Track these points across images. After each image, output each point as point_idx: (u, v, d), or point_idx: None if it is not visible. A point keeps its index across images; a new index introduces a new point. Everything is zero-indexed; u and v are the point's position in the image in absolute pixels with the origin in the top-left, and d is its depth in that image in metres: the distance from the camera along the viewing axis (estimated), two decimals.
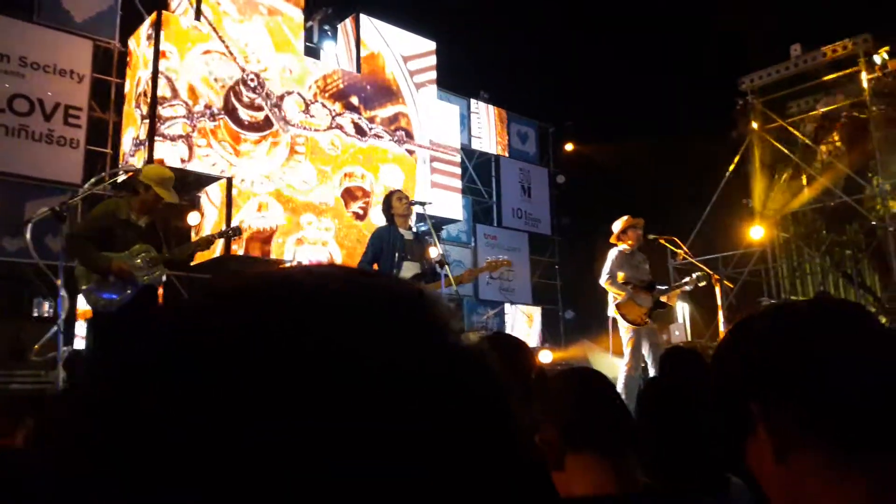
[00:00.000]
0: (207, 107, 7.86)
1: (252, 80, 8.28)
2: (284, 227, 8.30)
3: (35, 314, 5.23)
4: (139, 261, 4.43)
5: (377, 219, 9.00)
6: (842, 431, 0.77)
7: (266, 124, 8.35)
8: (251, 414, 0.29)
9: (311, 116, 8.78)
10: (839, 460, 0.77)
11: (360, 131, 9.27)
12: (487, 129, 12.11)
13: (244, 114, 8.17)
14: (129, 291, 4.37)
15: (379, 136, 9.45)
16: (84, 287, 4.30)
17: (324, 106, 8.94)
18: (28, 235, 4.27)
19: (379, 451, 0.30)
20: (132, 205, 4.47)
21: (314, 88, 8.90)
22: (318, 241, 8.58)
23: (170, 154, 7.46)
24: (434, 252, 5.55)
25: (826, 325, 0.82)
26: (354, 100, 9.33)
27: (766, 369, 0.82)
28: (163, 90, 7.58)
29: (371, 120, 9.44)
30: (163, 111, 7.54)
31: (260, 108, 8.30)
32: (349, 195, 9.04)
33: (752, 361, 0.84)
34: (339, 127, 9.05)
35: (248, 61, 8.30)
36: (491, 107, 12.17)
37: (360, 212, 9.12)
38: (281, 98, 8.53)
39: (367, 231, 8.85)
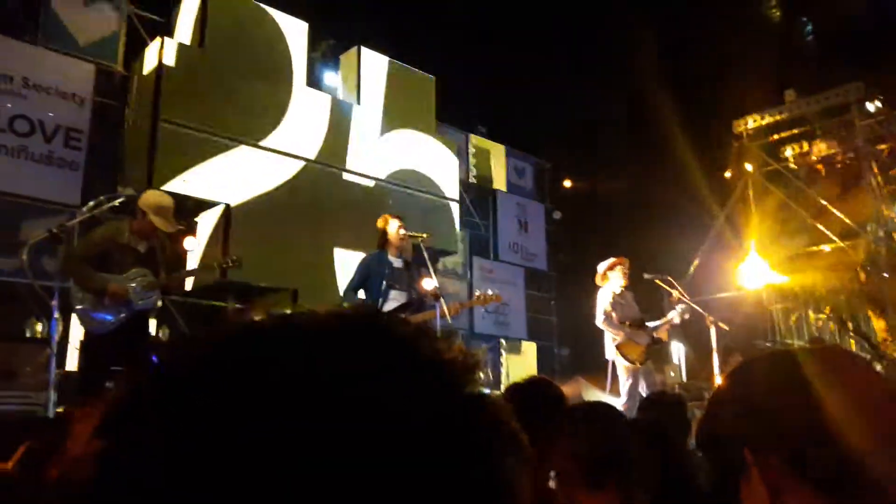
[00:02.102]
0: None
1: None
2: None
3: (28, 335, 5.18)
4: (135, 284, 4.42)
5: None
6: (833, 481, 0.79)
7: None
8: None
9: None
10: None
11: None
12: (485, 163, 12.21)
13: None
14: (122, 315, 4.35)
15: None
16: (79, 307, 4.28)
17: None
18: (25, 256, 4.27)
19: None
20: (132, 229, 4.48)
21: None
22: None
23: None
24: (430, 284, 5.53)
25: (818, 375, 0.85)
26: None
27: (759, 418, 0.86)
28: None
29: None
30: None
31: None
32: None
33: (746, 409, 0.88)
34: None
35: None
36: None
37: None
38: None
39: None
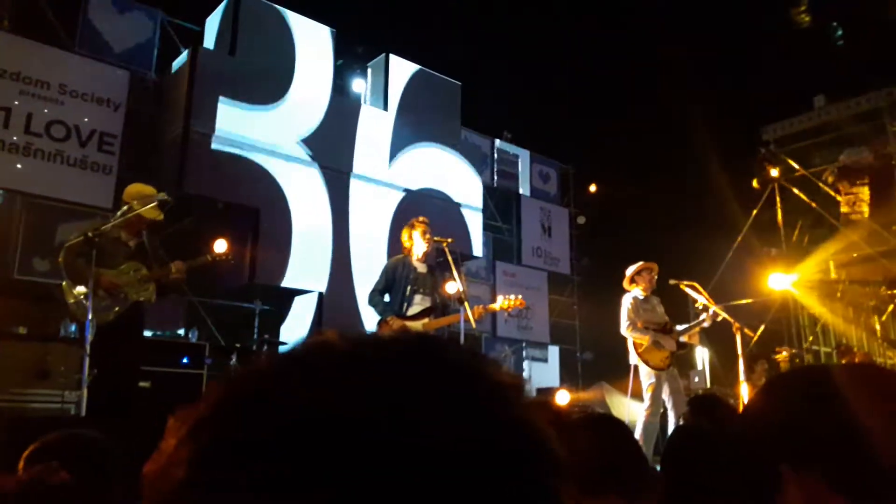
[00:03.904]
0: None
1: None
2: None
3: (62, 335, 5.31)
4: (129, 278, 4.53)
5: None
6: (873, 497, 0.79)
7: None
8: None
9: None
10: None
11: None
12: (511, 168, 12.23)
13: None
14: (117, 308, 4.45)
15: None
16: (72, 301, 4.38)
17: None
18: (62, 259, 4.38)
19: None
20: (120, 223, 4.55)
21: None
22: None
23: None
24: (453, 288, 5.55)
25: (861, 392, 0.84)
26: None
27: (799, 435, 0.85)
28: None
29: None
30: None
31: None
32: None
33: (784, 425, 0.87)
34: None
35: None
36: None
37: None
38: None
39: None
